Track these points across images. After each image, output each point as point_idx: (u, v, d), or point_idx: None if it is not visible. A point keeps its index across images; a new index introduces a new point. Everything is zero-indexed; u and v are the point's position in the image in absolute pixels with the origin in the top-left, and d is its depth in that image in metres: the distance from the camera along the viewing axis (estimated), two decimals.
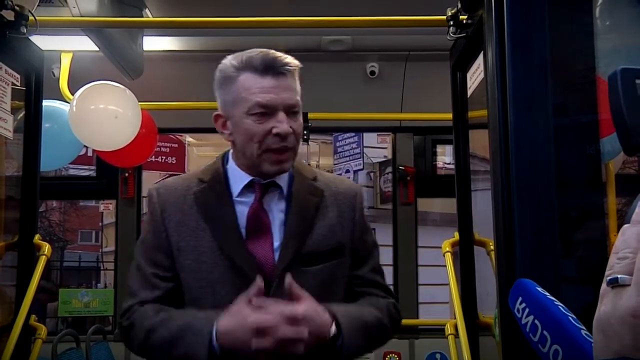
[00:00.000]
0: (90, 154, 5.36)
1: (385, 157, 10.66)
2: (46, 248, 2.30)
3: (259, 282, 1.23)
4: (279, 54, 1.31)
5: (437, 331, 3.46)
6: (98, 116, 2.90)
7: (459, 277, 2.26)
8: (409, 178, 3.97)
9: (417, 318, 3.94)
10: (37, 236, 2.33)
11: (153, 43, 3.31)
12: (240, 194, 1.35)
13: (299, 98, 1.33)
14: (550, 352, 0.61)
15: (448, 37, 2.10)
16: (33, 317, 2.28)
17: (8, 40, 2.18)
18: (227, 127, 1.35)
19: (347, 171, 10.23)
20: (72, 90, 3.00)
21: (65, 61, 3.09)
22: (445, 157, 6.15)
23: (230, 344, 1.21)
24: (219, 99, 1.36)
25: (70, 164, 4.11)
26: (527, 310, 0.63)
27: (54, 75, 3.30)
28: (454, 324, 2.22)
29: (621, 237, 0.52)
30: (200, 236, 1.32)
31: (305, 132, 3.33)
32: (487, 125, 1.61)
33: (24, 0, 2.21)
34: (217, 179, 1.37)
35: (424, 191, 4.11)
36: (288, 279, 1.24)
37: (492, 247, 1.88)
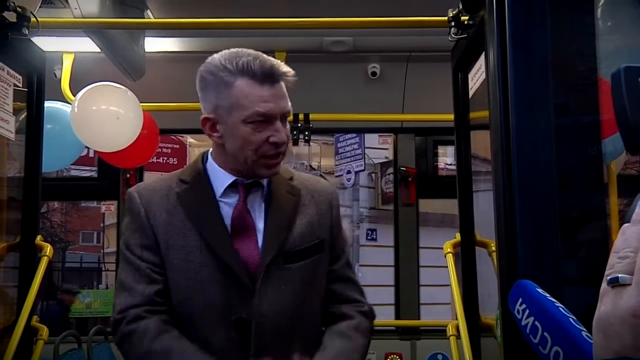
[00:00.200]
0: (91, 155, 5.37)
1: (386, 158, 10.67)
2: (48, 249, 2.30)
3: None
4: (274, 60, 1.32)
5: (439, 332, 3.45)
6: (99, 117, 2.90)
7: (461, 278, 2.26)
8: (410, 179, 3.97)
9: (419, 319, 3.94)
10: (38, 237, 2.33)
11: (154, 44, 3.32)
12: (224, 194, 1.37)
13: (290, 104, 1.35)
14: (551, 353, 0.60)
15: (449, 38, 2.10)
16: (35, 318, 2.28)
17: (10, 42, 2.18)
18: (217, 130, 1.34)
19: (349, 172, 10.24)
20: (74, 91, 3.01)
21: (67, 62, 3.10)
22: (446, 158, 6.14)
23: None
24: (206, 101, 1.34)
25: (71, 165, 4.11)
26: (527, 311, 0.63)
27: (56, 77, 3.30)
28: (456, 325, 2.22)
29: (621, 237, 0.51)
30: (187, 236, 1.33)
31: (306, 132, 3.34)
32: (489, 126, 1.60)
33: (26, 1, 2.21)
34: (199, 179, 1.38)
35: (425, 192, 4.11)
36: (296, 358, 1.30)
37: (493, 248, 1.88)
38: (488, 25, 1.61)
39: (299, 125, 3.32)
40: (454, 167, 2.41)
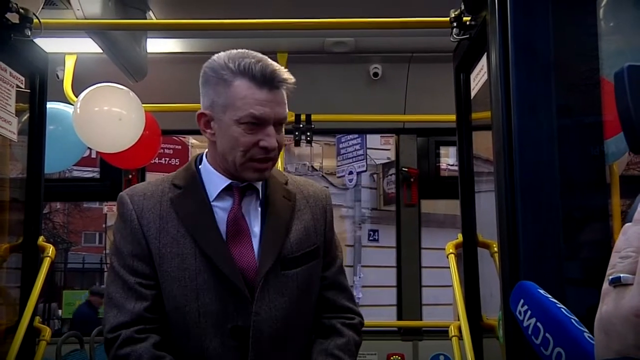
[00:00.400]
0: (94, 155, 5.38)
1: (388, 158, 10.67)
2: (50, 250, 2.31)
3: None
4: (276, 65, 1.31)
5: (441, 333, 3.44)
6: (102, 118, 2.91)
7: (463, 279, 2.26)
8: (412, 179, 3.97)
9: (421, 320, 3.93)
10: (41, 238, 2.33)
11: (157, 45, 3.32)
12: (218, 197, 1.35)
13: (287, 111, 1.35)
14: (553, 354, 0.60)
15: (451, 39, 2.10)
16: (37, 318, 2.28)
17: (12, 43, 2.18)
18: (210, 127, 1.34)
19: (351, 172, 10.24)
20: (76, 92, 3.02)
21: (69, 63, 3.11)
22: (448, 158, 6.15)
23: None
24: (205, 97, 1.34)
25: (74, 165, 4.12)
26: (529, 312, 0.63)
27: (58, 78, 3.31)
28: (458, 325, 2.21)
29: (623, 236, 0.51)
30: (181, 243, 1.31)
31: (308, 133, 3.34)
32: (491, 127, 1.60)
33: (28, 2, 2.22)
34: (193, 184, 1.36)
35: (427, 193, 4.11)
36: None
37: (495, 249, 1.87)
38: (490, 26, 1.61)
39: (301, 126, 3.32)
40: (456, 168, 2.41)
